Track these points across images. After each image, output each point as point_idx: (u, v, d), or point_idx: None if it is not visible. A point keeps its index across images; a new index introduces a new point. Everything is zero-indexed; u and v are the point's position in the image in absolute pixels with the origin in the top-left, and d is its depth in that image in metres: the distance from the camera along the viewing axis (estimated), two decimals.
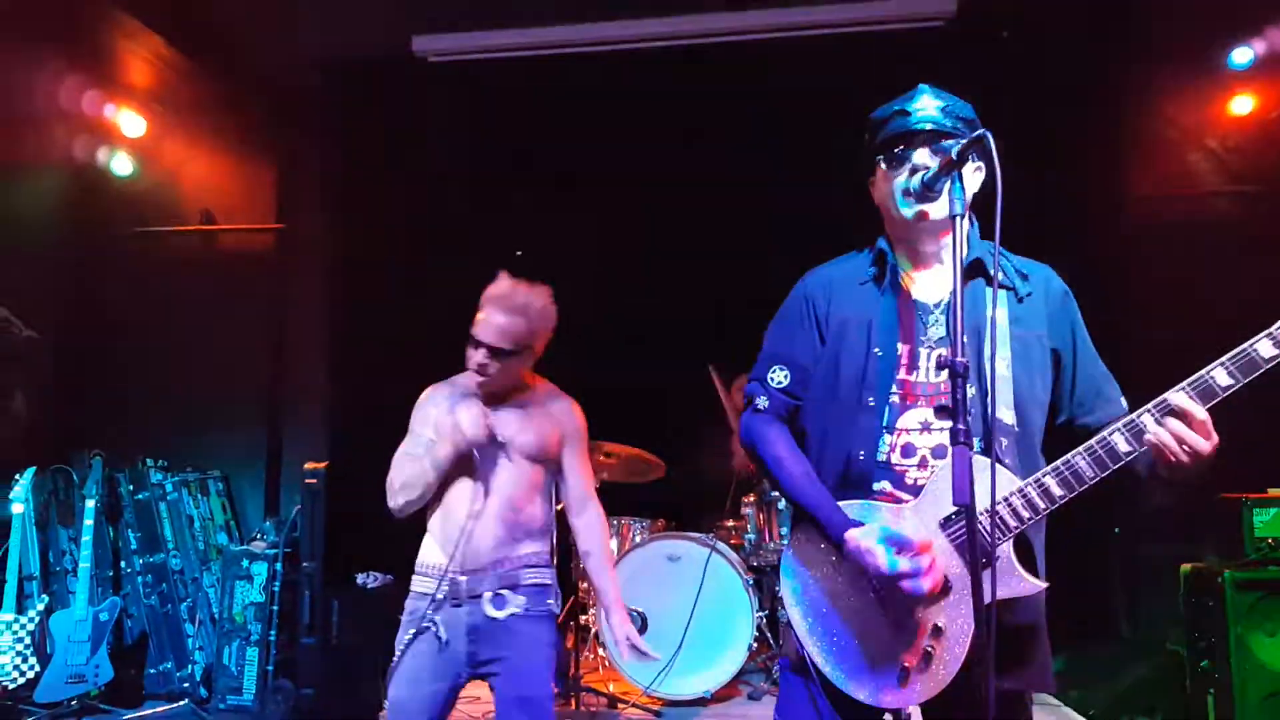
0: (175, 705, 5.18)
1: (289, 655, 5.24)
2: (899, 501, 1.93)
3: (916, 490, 1.93)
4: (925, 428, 1.95)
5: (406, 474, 2.69)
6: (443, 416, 2.71)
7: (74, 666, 5.00)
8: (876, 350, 1.98)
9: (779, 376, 2.11)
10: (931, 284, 2.05)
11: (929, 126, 1.95)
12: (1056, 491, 1.84)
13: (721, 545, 4.51)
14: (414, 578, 2.77)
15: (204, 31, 5.71)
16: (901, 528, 1.89)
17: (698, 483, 5.63)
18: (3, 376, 5.49)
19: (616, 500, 5.12)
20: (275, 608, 5.29)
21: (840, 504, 1.95)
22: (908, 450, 1.96)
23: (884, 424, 1.96)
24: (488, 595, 2.63)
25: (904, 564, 1.83)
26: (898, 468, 1.96)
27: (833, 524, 1.92)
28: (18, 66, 5.23)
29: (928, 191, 1.91)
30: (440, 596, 2.65)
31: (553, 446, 2.75)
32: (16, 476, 5.23)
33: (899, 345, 1.99)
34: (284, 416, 6.13)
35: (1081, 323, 2.07)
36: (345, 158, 6.03)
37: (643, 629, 4.41)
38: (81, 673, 5.00)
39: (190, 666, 5.44)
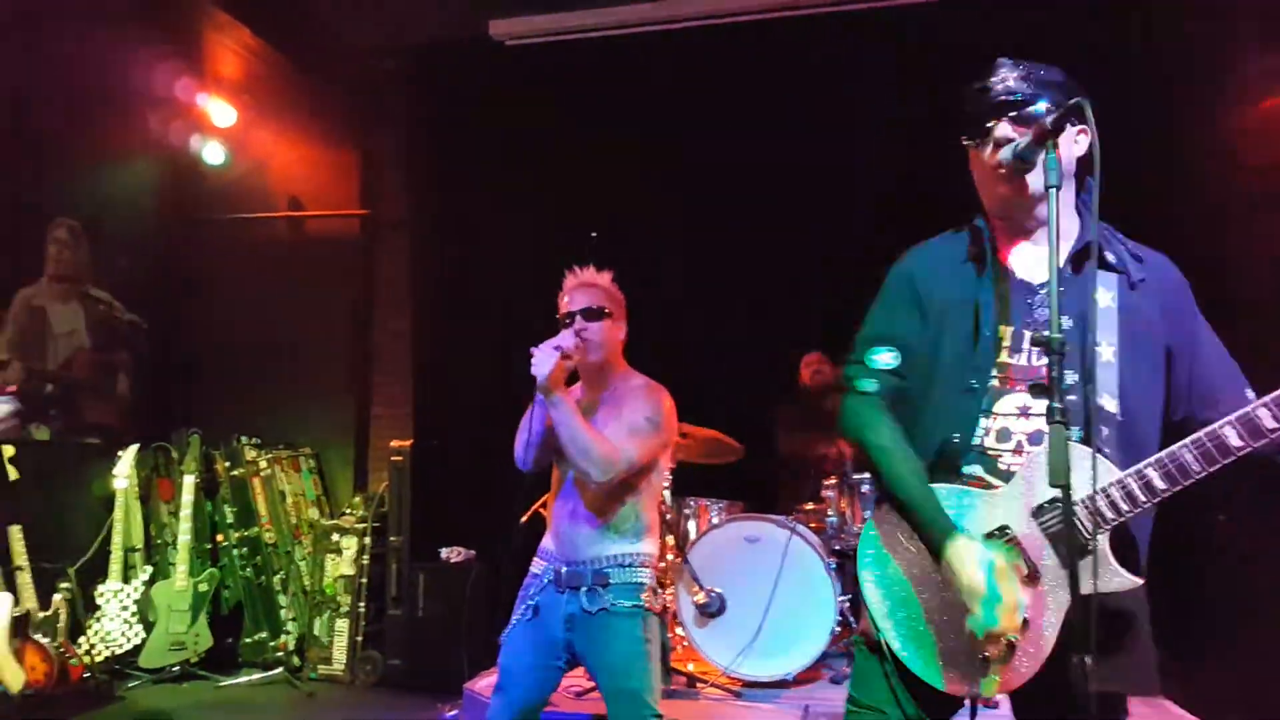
0: (269, 673, 5.38)
1: (377, 627, 5.41)
2: (989, 487, 1.88)
3: (1008, 476, 1.87)
4: (1024, 412, 1.89)
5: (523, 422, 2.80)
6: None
7: (175, 634, 5.23)
8: (985, 331, 1.91)
9: (886, 358, 2.01)
10: (1037, 263, 1.94)
11: (1007, 98, 1.88)
12: (1159, 485, 1.74)
13: (801, 528, 4.48)
14: (534, 559, 2.89)
15: (289, 21, 5.84)
16: (993, 514, 1.85)
17: (777, 465, 5.59)
18: (106, 358, 5.74)
19: (694, 482, 5.13)
20: (364, 580, 5.45)
21: (933, 486, 1.90)
22: (1003, 435, 1.89)
23: (982, 407, 1.90)
24: (584, 589, 2.71)
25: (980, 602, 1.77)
26: (991, 452, 1.90)
27: (936, 526, 1.85)
28: (118, 62, 5.42)
29: (1022, 164, 1.83)
30: (547, 581, 2.78)
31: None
32: (120, 454, 5.48)
33: (1000, 327, 1.92)
34: (371, 396, 6.29)
35: (1200, 315, 1.96)
36: (426, 142, 6.12)
37: (721, 610, 4.41)
38: (182, 640, 5.23)
39: (283, 636, 5.63)
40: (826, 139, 5.32)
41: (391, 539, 5.45)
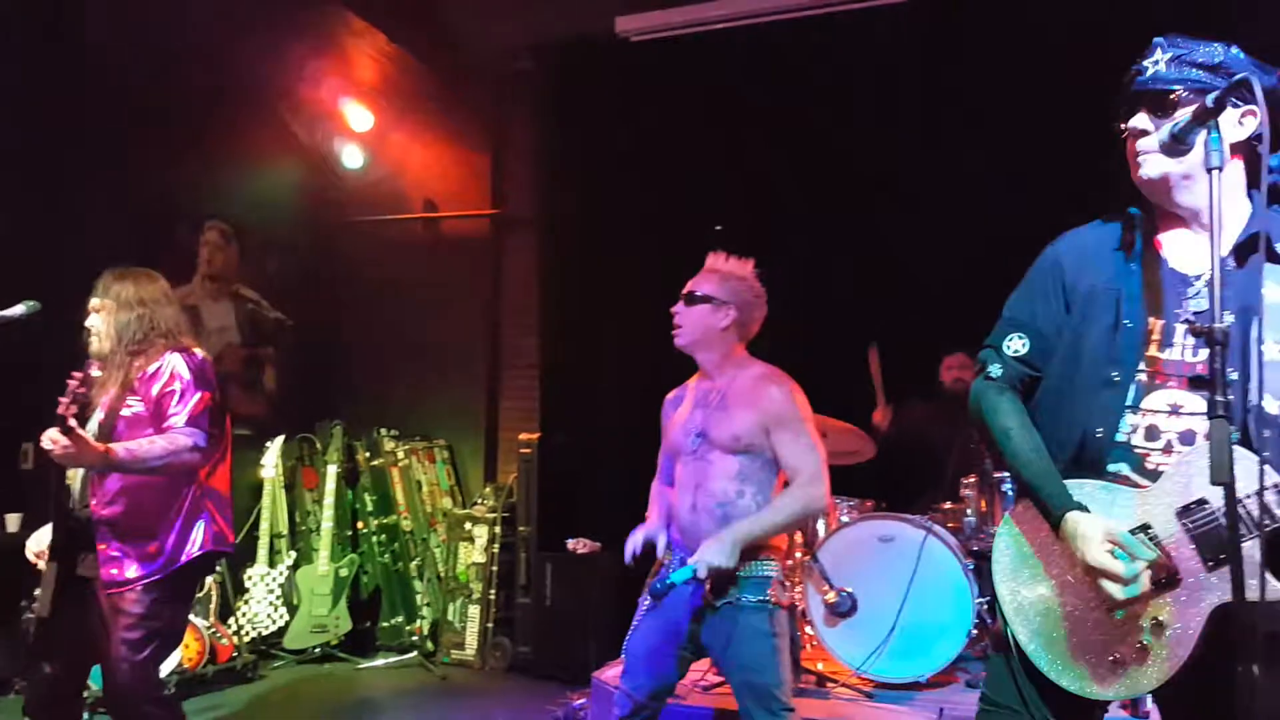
0: (405, 657, 5.56)
1: (508, 614, 5.52)
2: (1136, 486, 1.79)
3: (1156, 476, 1.78)
4: (1174, 410, 1.78)
5: None
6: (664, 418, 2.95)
7: (317, 617, 5.46)
8: (1127, 322, 1.82)
9: (1016, 344, 1.97)
10: (1193, 252, 1.84)
11: (1147, 88, 1.81)
12: None
13: (938, 527, 4.34)
14: (663, 549, 2.90)
15: (422, 26, 6.01)
16: (1136, 513, 1.76)
17: (912, 462, 5.43)
18: (254, 354, 6.05)
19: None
20: (495, 569, 5.57)
21: (1076, 482, 1.82)
22: (1152, 433, 1.79)
23: (1127, 403, 1.81)
24: (708, 583, 2.67)
25: (1113, 563, 1.70)
26: (1138, 450, 1.80)
27: (1054, 499, 1.80)
28: (263, 68, 5.69)
29: (1178, 144, 1.73)
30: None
31: (750, 436, 2.69)
32: (267, 445, 5.77)
33: (1149, 319, 1.82)
34: (501, 390, 6.43)
35: None
36: (553, 140, 6.19)
37: (852, 609, 4.31)
38: (324, 623, 5.46)
39: (419, 621, 5.81)
40: (967, 127, 5.11)
41: (520, 529, 5.56)
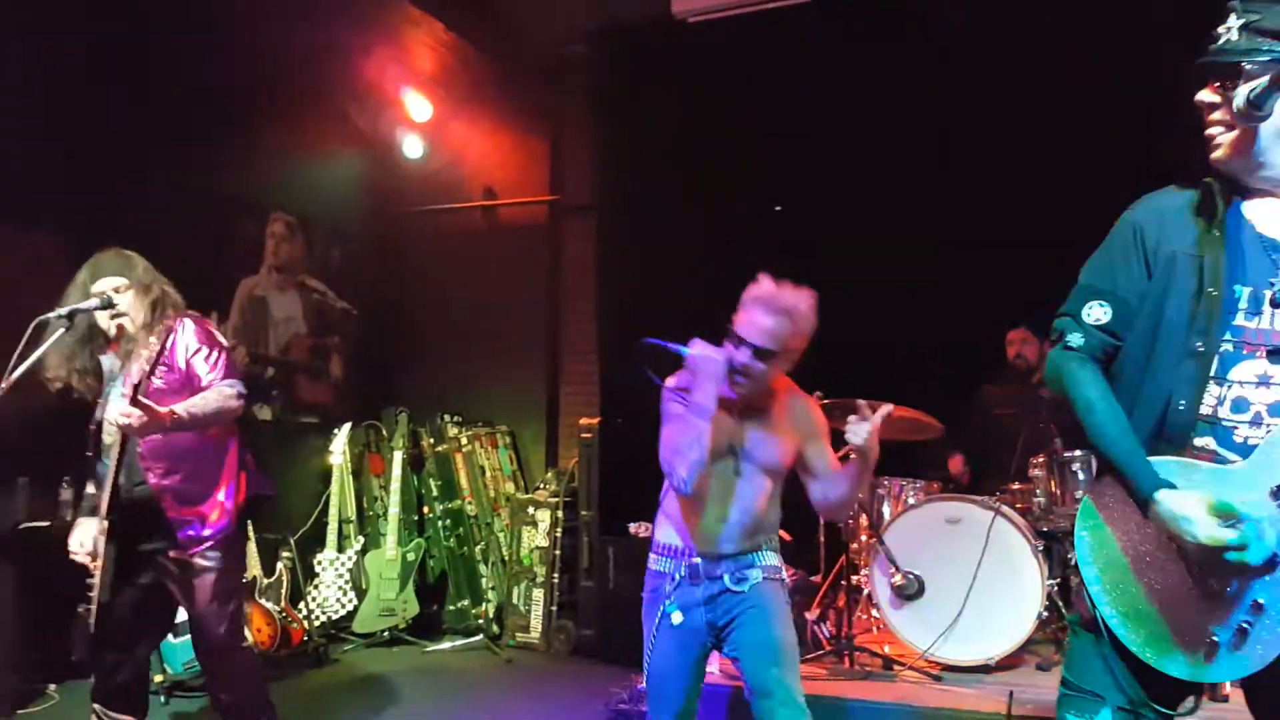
0: (471, 640, 5.62)
1: (571, 597, 5.55)
2: (1224, 462, 1.72)
3: (1246, 451, 1.71)
4: (1264, 381, 1.72)
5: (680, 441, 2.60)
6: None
7: (385, 601, 5.55)
8: (1211, 290, 1.75)
9: (1098, 313, 1.88)
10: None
11: (1214, 60, 1.75)
12: None
13: (1006, 509, 4.25)
14: (651, 556, 2.83)
15: (478, 13, 6.03)
16: (1224, 492, 1.68)
17: (979, 444, 5.33)
18: (321, 343, 6.15)
19: (890, 460, 4.94)
20: (557, 553, 5.60)
21: (1155, 459, 1.75)
22: (1239, 405, 1.73)
23: (1212, 373, 1.74)
24: (726, 575, 2.69)
25: (1230, 534, 1.62)
26: (1226, 423, 1.74)
27: (1142, 479, 1.73)
28: (325, 61, 5.76)
29: (1254, 111, 1.66)
30: (679, 577, 2.72)
31: (789, 459, 2.73)
32: (334, 432, 5.88)
33: (1238, 287, 1.75)
34: (561, 375, 6.45)
35: None
36: (611, 125, 6.17)
37: (919, 591, 4.25)
38: (392, 607, 5.54)
39: (484, 604, 5.87)
40: (1026, 106, 4.96)
41: (582, 513, 5.57)
